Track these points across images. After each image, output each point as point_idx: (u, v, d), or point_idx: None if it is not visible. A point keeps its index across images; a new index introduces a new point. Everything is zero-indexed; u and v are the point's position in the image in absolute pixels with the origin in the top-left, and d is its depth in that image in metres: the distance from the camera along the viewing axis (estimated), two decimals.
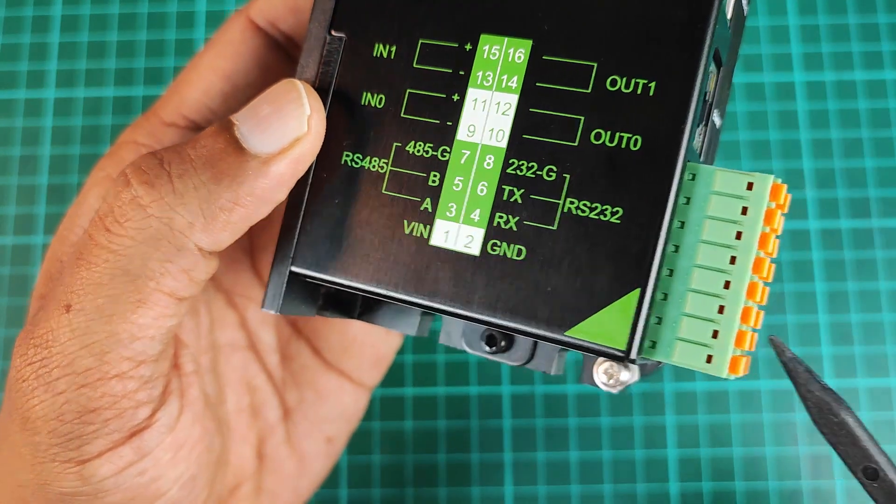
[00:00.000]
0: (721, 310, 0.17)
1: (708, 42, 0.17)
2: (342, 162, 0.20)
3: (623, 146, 0.17)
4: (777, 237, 0.17)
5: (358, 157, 0.20)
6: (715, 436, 0.34)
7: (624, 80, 0.17)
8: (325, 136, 0.20)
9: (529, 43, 0.19)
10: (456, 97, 0.19)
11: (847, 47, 0.36)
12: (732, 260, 0.17)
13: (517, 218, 0.18)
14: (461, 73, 0.19)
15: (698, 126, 0.18)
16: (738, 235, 0.17)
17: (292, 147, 0.19)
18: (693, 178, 0.17)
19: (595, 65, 0.18)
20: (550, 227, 0.18)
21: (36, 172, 0.36)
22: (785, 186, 0.17)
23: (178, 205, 0.18)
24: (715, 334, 0.17)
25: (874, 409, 0.33)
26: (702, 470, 0.33)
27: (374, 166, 0.20)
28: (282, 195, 0.19)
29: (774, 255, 0.17)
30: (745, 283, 0.17)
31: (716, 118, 0.20)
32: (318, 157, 0.20)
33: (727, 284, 0.17)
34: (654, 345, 0.17)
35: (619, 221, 0.17)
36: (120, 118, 0.37)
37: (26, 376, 0.19)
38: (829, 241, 0.35)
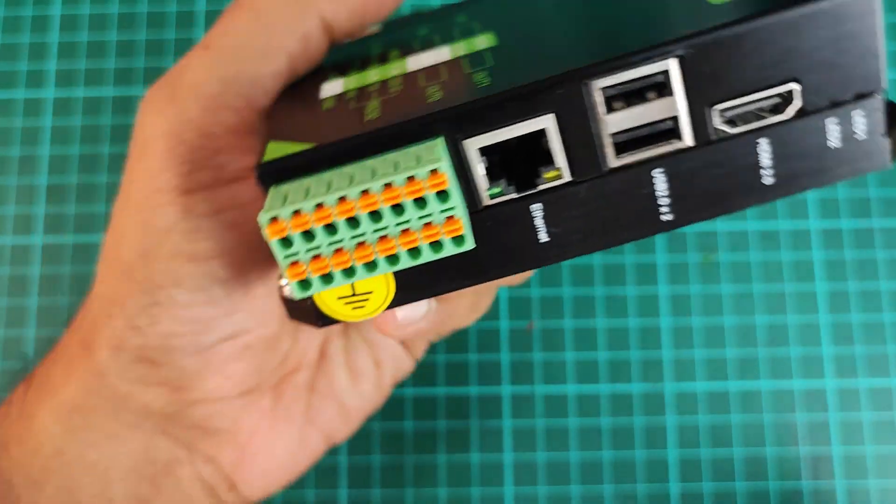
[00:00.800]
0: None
1: None
2: None
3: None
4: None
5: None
6: (716, 436, 0.34)
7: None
8: None
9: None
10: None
11: None
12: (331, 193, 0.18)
13: None
14: None
15: None
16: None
17: None
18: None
19: None
20: None
21: (35, 172, 0.36)
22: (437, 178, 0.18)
23: None
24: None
25: (875, 410, 0.33)
26: (702, 471, 0.33)
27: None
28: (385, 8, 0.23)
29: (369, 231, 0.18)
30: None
31: None
32: None
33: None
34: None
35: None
36: (120, 118, 0.37)
37: (152, 98, 0.22)
38: (830, 241, 0.35)
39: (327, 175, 0.18)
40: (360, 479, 0.34)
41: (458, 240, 0.18)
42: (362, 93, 0.21)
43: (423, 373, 0.34)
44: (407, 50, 0.23)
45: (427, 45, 0.23)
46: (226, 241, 0.22)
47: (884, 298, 0.34)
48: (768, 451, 0.33)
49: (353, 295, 0.20)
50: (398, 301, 0.20)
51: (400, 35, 0.25)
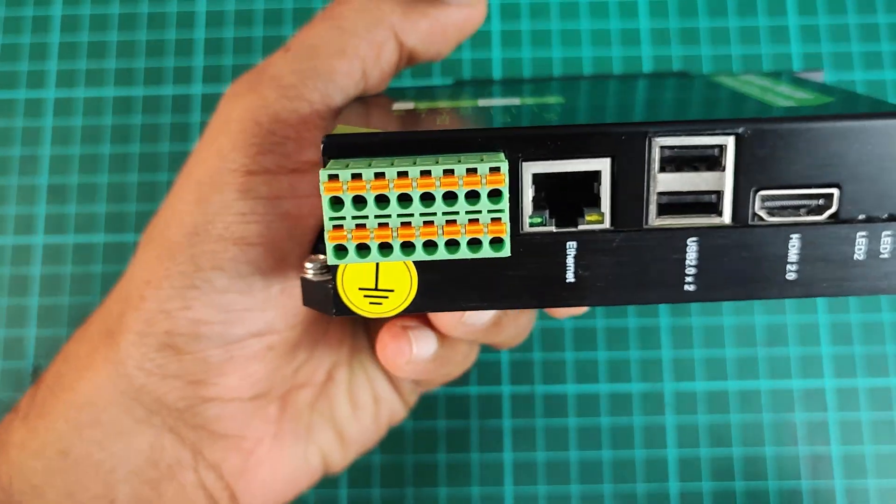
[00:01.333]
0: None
1: None
2: None
3: None
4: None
5: None
6: (715, 436, 0.34)
7: None
8: None
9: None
10: None
11: (847, 47, 0.36)
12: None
13: None
14: None
15: None
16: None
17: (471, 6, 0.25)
18: None
19: None
20: None
21: (36, 173, 0.36)
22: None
23: None
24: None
25: (874, 409, 0.33)
26: (702, 470, 0.33)
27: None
28: (457, 37, 0.25)
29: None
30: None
31: None
32: None
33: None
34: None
35: None
36: (120, 118, 0.37)
37: (234, 89, 0.23)
38: None
39: (391, 159, 0.18)
40: (360, 479, 0.34)
41: (498, 244, 0.18)
42: (434, 111, 0.22)
43: None
44: (478, 95, 0.25)
45: (497, 94, 0.25)
46: (275, 230, 0.22)
47: (882, 298, 0.34)
48: (767, 451, 0.33)
49: (375, 289, 0.20)
50: (416, 306, 0.20)
51: (471, 89, 0.27)
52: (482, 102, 0.23)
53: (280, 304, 0.23)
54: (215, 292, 0.22)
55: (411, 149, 0.18)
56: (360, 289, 0.20)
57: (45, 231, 0.36)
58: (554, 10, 0.37)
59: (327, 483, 0.34)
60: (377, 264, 0.19)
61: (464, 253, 0.18)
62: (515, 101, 0.23)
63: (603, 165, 0.19)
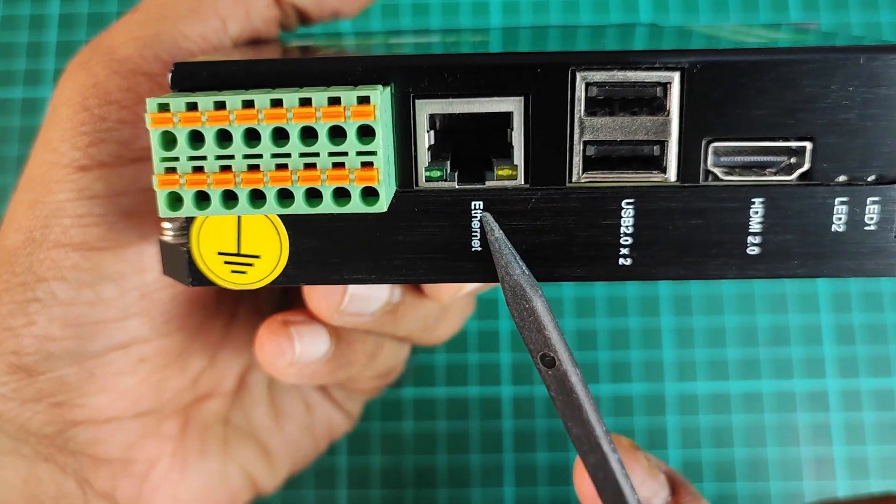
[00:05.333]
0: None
1: None
2: None
3: None
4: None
5: None
6: (717, 437, 0.33)
7: None
8: None
9: None
10: None
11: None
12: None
13: None
14: None
15: None
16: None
17: None
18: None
19: None
20: None
21: None
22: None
23: None
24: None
25: (877, 410, 0.33)
26: (704, 471, 0.33)
27: None
28: None
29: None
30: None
31: None
32: None
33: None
34: None
35: None
36: None
37: (70, 65, 0.20)
38: None
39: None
40: (360, 481, 0.34)
41: (370, 196, 0.14)
42: (332, 45, 0.19)
43: (423, 373, 0.34)
44: (400, 37, 0.21)
45: (424, 36, 0.21)
46: (120, 232, 0.19)
47: (885, 300, 0.34)
48: (770, 452, 0.33)
49: (237, 255, 0.17)
50: (287, 277, 0.17)
51: (404, 34, 0.23)
52: (394, 40, 0.20)
53: (142, 310, 0.20)
54: (59, 305, 0.19)
55: (279, 81, 0.15)
56: (220, 253, 0.17)
57: None
58: None
59: (326, 484, 0.33)
60: (238, 224, 0.16)
61: (328, 206, 0.14)
62: (433, 39, 0.19)
63: (515, 106, 0.15)
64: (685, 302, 0.34)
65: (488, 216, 0.16)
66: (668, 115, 0.15)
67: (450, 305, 0.23)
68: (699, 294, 0.35)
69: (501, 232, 0.16)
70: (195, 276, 0.17)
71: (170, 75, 0.15)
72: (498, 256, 0.16)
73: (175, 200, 0.15)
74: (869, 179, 0.15)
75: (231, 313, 0.24)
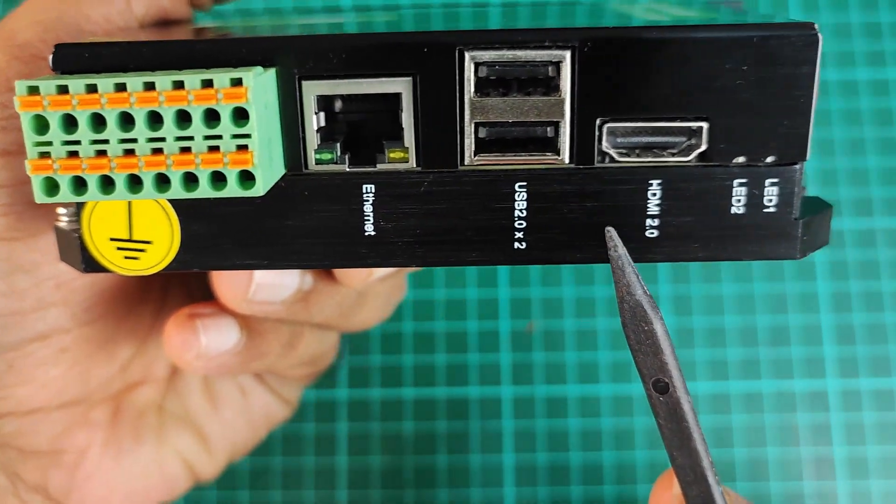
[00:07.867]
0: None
1: None
2: None
3: None
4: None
5: None
6: (717, 437, 0.33)
7: None
8: None
9: None
10: None
11: (850, 46, 0.36)
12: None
13: None
14: None
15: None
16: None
17: None
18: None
19: None
20: None
21: None
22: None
23: None
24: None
25: (878, 410, 0.33)
26: None
27: None
28: None
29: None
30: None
31: None
32: None
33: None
34: None
35: None
36: None
37: None
38: (833, 241, 0.35)
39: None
40: (359, 481, 0.34)
41: (246, 179, 0.15)
42: (244, 25, 0.18)
43: (423, 374, 0.34)
44: (307, 15, 0.20)
45: (328, 13, 0.20)
46: (30, 220, 0.19)
47: (886, 299, 0.34)
48: (770, 452, 0.33)
49: (129, 241, 0.17)
50: (181, 263, 0.17)
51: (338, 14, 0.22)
52: (304, 21, 0.19)
53: (59, 299, 0.20)
54: None
55: (163, 63, 0.15)
56: (112, 239, 0.17)
57: None
58: None
59: (326, 484, 0.33)
60: (129, 210, 0.16)
61: (205, 191, 0.15)
62: (342, 19, 0.19)
63: (403, 87, 0.15)
64: (685, 302, 0.34)
65: (612, 231, 0.16)
66: (560, 95, 0.15)
67: (367, 291, 0.23)
68: (699, 294, 0.35)
69: (625, 248, 0.15)
70: (88, 263, 0.17)
71: (50, 57, 0.15)
72: (619, 274, 0.15)
73: (52, 186, 0.15)
74: (767, 161, 0.15)
75: (161, 300, 0.24)
